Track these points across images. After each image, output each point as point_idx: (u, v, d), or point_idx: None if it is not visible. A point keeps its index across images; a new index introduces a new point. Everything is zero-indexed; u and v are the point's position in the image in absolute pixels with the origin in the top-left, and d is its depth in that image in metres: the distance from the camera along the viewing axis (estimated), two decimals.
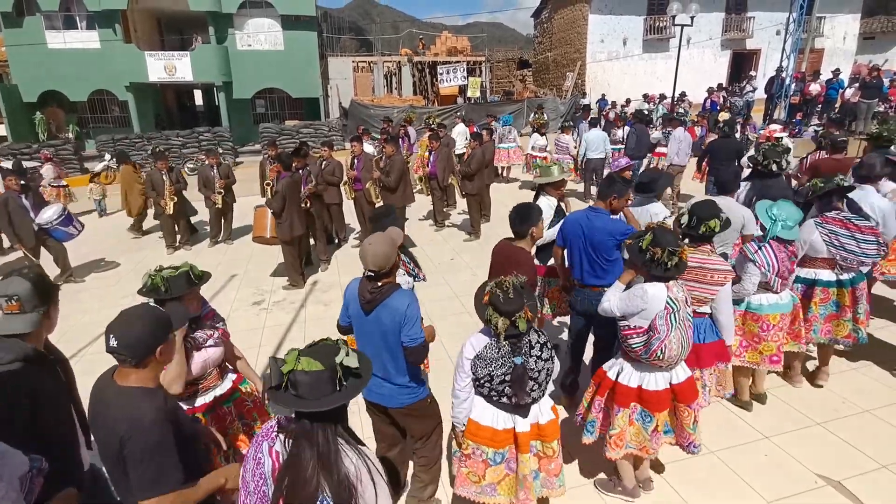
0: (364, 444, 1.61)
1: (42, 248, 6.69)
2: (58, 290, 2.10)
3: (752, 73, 20.90)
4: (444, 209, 8.89)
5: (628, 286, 2.73)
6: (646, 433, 2.70)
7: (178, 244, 8.16)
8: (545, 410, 2.47)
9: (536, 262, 4.08)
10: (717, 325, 3.16)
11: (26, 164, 14.30)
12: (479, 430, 2.42)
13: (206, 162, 8.21)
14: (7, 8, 17.78)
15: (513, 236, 3.33)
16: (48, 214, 6.50)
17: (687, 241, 3.07)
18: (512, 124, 12.23)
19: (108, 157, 16.37)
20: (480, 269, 6.67)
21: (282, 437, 1.53)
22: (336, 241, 7.93)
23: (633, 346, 2.62)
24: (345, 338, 1.78)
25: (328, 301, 5.98)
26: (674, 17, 14.38)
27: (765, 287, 3.36)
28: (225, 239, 8.45)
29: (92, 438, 2.48)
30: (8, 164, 10.87)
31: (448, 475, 3.14)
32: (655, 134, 10.21)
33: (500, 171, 11.53)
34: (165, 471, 1.65)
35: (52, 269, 6.84)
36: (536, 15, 30.77)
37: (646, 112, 15.24)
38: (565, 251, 3.70)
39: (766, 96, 16.35)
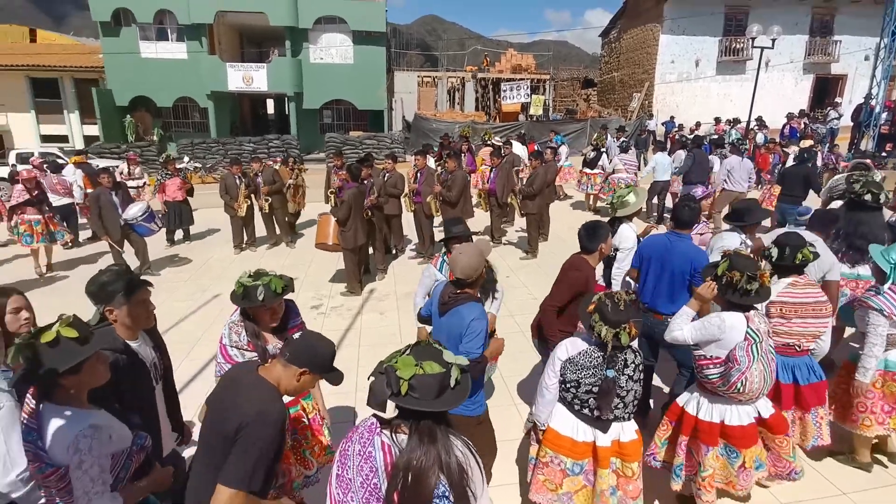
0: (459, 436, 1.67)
1: (126, 242, 7.19)
2: (115, 293, 2.14)
3: (838, 99, 19.63)
4: (502, 226, 8.86)
5: (698, 314, 2.65)
6: (732, 468, 2.60)
7: (244, 245, 8.55)
8: (628, 430, 2.45)
9: (602, 281, 4.02)
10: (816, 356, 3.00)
11: (114, 163, 15.57)
12: (558, 440, 2.43)
13: (253, 169, 8.48)
14: (106, 18, 19.53)
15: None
16: (134, 211, 6.99)
17: (779, 274, 2.97)
18: (564, 143, 12.42)
19: (186, 159, 17.52)
20: (536, 288, 6.56)
21: (387, 432, 1.57)
22: (393, 251, 8.06)
23: (710, 377, 2.55)
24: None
25: (384, 310, 6.06)
26: (753, 38, 13.75)
27: None
28: (285, 241, 8.78)
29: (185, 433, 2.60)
30: (102, 164, 11.79)
31: (522, 480, 3.10)
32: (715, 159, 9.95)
33: (557, 191, 11.45)
34: (257, 471, 1.69)
35: (133, 262, 7.34)
36: (604, 34, 30.41)
37: (713, 136, 14.70)
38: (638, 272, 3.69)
39: (851, 124, 15.32)
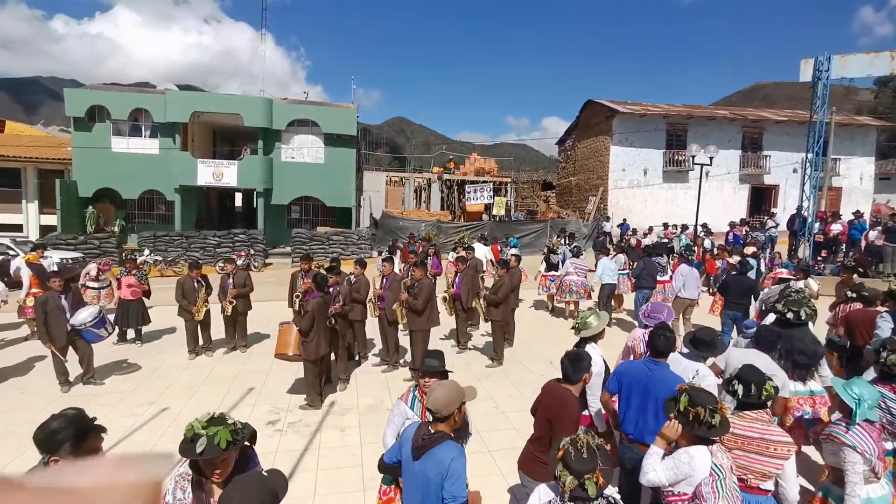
0: None
1: (70, 348, 6.77)
2: (63, 441, 1.99)
3: (774, 209, 21.45)
4: (468, 330, 8.85)
5: (667, 453, 2.65)
6: None
7: (199, 350, 8.18)
8: None
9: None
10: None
11: (70, 254, 15.10)
12: None
13: (223, 269, 8.46)
14: (80, 114, 19.84)
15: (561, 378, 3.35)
16: (83, 316, 6.66)
17: (742, 409, 3.00)
18: (517, 246, 13.07)
19: (147, 252, 17.16)
20: (503, 399, 6.45)
21: None
22: (356, 358, 7.86)
23: None
24: None
25: (344, 426, 5.77)
26: (693, 157, 15.15)
27: (870, 474, 3.00)
28: (240, 346, 8.48)
29: None
30: (54, 258, 11.37)
31: None
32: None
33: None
34: None
35: (76, 369, 6.88)
36: (560, 142, 32.87)
37: (663, 240, 15.69)
38: (616, 398, 3.66)
39: (788, 231, 16.60)
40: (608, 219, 22.74)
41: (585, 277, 10.46)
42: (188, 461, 2.36)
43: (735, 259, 9.21)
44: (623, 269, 10.78)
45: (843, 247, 15.42)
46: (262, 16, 27.30)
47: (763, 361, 3.86)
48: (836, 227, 14.90)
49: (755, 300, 7.77)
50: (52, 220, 20.20)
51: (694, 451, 2.51)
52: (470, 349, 8.51)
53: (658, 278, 9.86)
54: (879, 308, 5.84)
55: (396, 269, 8.75)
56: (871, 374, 3.92)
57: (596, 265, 10.53)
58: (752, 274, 11.73)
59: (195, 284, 7.92)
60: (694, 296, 8.90)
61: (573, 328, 4.30)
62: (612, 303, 10.35)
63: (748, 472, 2.87)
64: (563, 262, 11.03)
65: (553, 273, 11.03)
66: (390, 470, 2.75)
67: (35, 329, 7.71)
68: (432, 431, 2.52)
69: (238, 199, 30.50)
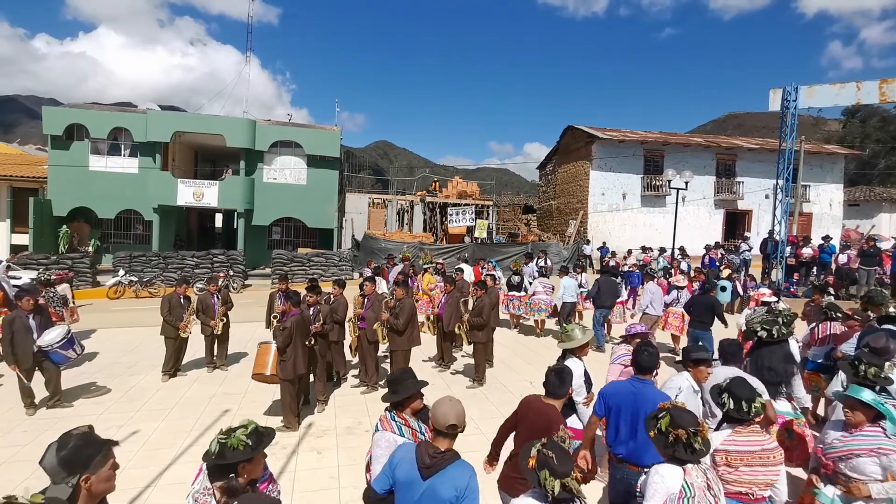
0: None
1: (37, 370, 6.54)
2: (93, 456, 1.99)
3: (747, 234, 22.02)
4: (451, 351, 8.78)
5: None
6: None
7: (171, 370, 7.97)
8: None
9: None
10: None
11: (35, 274, 14.66)
12: None
13: (207, 289, 8.39)
14: (58, 132, 19.55)
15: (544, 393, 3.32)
16: (50, 337, 6.47)
17: (729, 422, 3.01)
18: (497, 267, 13.42)
19: (121, 272, 16.78)
20: (484, 421, 6.39)
21: None
22: (335, 379, 7.74)
23: None
24: None
25: (322, 448, 5.65)
26: (670, 181, 15.53)
27: None
28: (220, 365, 8.31)
29: None
30: (26, 277, 11.06)
31: None
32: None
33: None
34: None
35: (42, 392, 6.65)
36: (541, 167, 33.42)
37: (641, 263, 15.99)
38: (605, 420, 3.56)
39: (761, 255, 17.03)
40: (588, 242, 23.04)
41: (550, 295, 10.69)
42: (203, 475, 2.36)
43: (682, 280, 9.47)
44: (583, 288, 11.09)
45: (815, 270, 15.85)
46: (248, 39, 27.56)
47: (734, 374, 3.88)
48: (806, 251, 15.32)
49: (717, 318, 8.00)
50: (23, 239, 19.70)
51: (664, 471, 2.47)
52: (452, 373, 8.42)
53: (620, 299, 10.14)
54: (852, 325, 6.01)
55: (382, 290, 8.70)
56: (835, 385, 4.00)
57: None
58: (727, 295, 12.02)
59: (181, 300, 7.79)
60: (660, 313, 9.15)
61: (559, 338, 4.33)
62: (573, 319, 10.52)
63: (755, 485, 2.88)
64: (526, 279, 11.24)
65: (514, 293, 11.17)
66: (382, 502, 2.58)
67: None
68: (441, 450, 2.44)
69: (218, 220, 30.18)
